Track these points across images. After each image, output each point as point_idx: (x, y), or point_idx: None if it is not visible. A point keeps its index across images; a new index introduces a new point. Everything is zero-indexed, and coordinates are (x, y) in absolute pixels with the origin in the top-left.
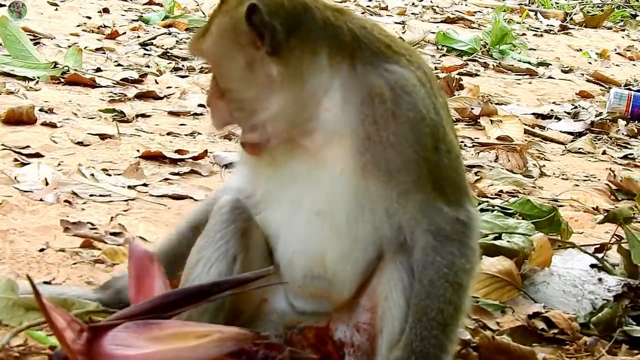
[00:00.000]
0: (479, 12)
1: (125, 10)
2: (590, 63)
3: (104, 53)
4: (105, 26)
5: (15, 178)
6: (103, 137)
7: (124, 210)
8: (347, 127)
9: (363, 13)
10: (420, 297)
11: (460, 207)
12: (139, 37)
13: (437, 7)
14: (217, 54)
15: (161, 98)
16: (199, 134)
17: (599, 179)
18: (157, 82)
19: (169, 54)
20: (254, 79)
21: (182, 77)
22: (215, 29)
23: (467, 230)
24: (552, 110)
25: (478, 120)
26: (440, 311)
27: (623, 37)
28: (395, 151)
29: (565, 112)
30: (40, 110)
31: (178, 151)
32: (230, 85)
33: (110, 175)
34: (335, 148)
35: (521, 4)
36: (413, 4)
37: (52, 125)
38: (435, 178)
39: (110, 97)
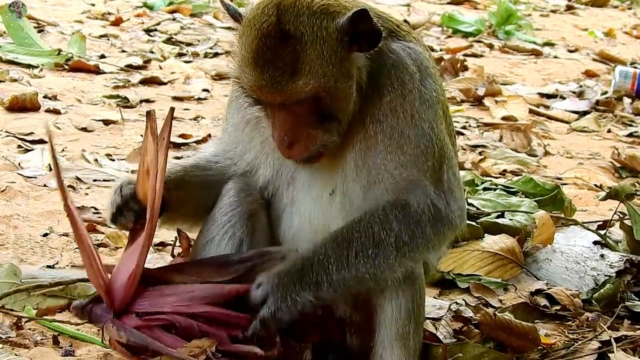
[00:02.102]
0: None
1: None
2: (596, 42)
3: (108, 39)
4: (109, 13)
5: (19, 164)
6: (107, 122)
7: None
8: (373, 100)
9: None
10: (366, 217)
11: (445, 197)
12: (143, 23)
13: None
14: (324, 82)
15: (165, 83)
16: (203, 118)
17: (604, 157)
18: (161, 68)
19: (173, 40)
20: (354, 83)
21: (186, 62)
22: (311, 65)
23: (440, 221)
24: (557, 89)
25: (482, 100)
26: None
27: (629, 15)
28: (412, 123)
29: (570, 91)
30: (44, 97)
31: (182, 135)
32: (342, 101)
33: (114, 160)
34: (358, 124)
35: None
36: None
37: (56, 112)
38: (437, 158)
39: (114, 83)
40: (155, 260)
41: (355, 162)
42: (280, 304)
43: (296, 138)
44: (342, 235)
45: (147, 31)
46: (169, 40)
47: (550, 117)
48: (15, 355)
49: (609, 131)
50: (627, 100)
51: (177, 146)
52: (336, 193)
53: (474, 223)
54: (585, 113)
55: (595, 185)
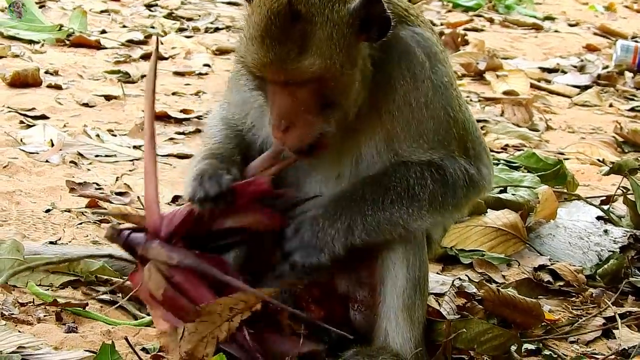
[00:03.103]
0: None
1: None
2: (597, 16)
3: (109, 15)
4: None
5: (21, 140)
6: (108, 98)
7: (130, 170)
8: (385, 92)
9: None
10: (401, 170)
11: (475, 163)
12: None
13: None
14: (330, 64)
15: (166, 58)
16: (204, 93)
17: (606, 132)
18: (162, 43)
19: (174, 15)
20: (358, 72)
21: (187, 37)
22: (318, 46)
23: (472, 185)
24: (558, 63)
25: (483, 75)
26: (405, 188)
27: None
28: (428, 113)
29: (571, 65)
30: (46, 72)
31: (183, 111)
32: (345, 89)
33: (115, 135)
34: (372, 115)
35: None
36: None
37: (58, 87)
38: (460, 136)
39: (115, 58)
40: None
41: (377, 149)
42: (313, 250)
43: (293, 122)
44: (378, 181)
45: (148, 6)
46: (169, 15)
47: (551, 92)
48: (19, 332)
49: (610, 105)
50: (628, 75)
51: (179, 121)
52: (343, 178)
53: None
54: (586, 87)
55: (598, 160)
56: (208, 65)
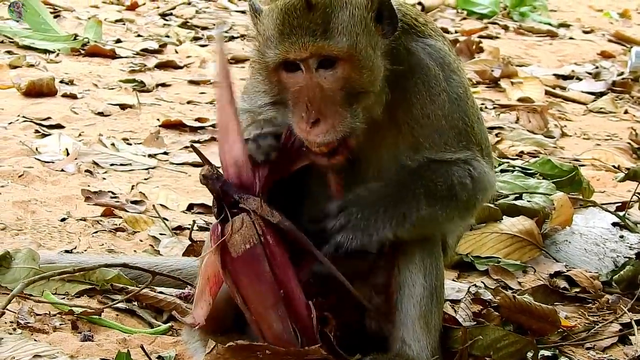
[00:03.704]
0: None
1: None
2: (611, 23)
3: (124, 24)
4: None
5: (37, 149)
6: (123, 107)
7: (145, 179)
8: (402, 106)
9: None
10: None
11: (490, 166)
12: (158, 7)
13: None
14: (356, 42)
15: (181, 67)
16: None
17: (621, 138)
18: (176, 52)
19: (189, 24)
20: (380, 67)
21: (202, 46)
22: (342, 25)
23: (489, 187)
24: (573, 70)
25: (498, 82)
26: (432, 185)
27: None
28: (448, 124)
29: (586, 72)
30: (61, 82)
31: (198, 119)
32: (370, 76)
33: (130, 144)
34: (391, 128)
35: None
36: None
37: (73, 97)
38: (479, 141)
39: (130, 67)
40: (173, 245)
41: (400, 159)
42: (361, 233)
43: (323, 113)
44: (423, 177)
45: (163, 15)
46: (184, 24)
47: (566, 99)
48: (35, 340)
49: (625, 112)
50: None
51: (194, 130)
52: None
53: (492, 205)
54: (601, 94)
55: (613, 166)
56: None
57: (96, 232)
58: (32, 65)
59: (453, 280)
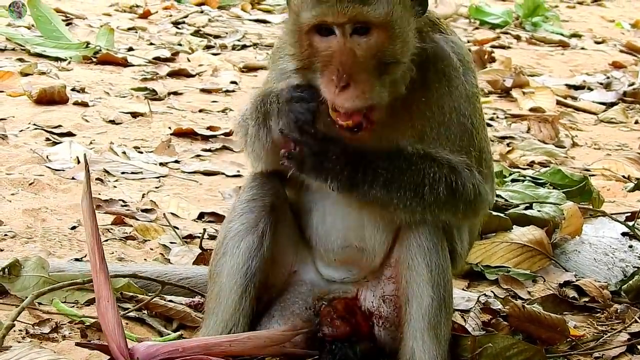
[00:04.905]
0: None
1: None
2: (623, 34)
3: (136, 32)
4: (137, 5)
5: (47, 157)
6: (135, 115)
7: (156, 187)
8: (419, 92)
9: None
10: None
11: (484, 182)
12: (171, 15)
13: None
14: (393, 12)
15: (193, 76)
16: (231, 110)
17: (631, 148)
18: (189, 60)
19: (201, 32)
20: (412, 41)
21: (214, 54)
22: None
23: (476, 202)
24: (584, 80)
25: (510, 91)
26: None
27: None
28: (457, 119)
29: (597, 82)
30: (72, 89)
31: (210, 128)
32: (402, 47)
33: (142, 152)
34: (404, 113)
35: None
36: None
37: (84, 105)
38: (479, 148)
39: (142, 75)
40: (184, 253)
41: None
42: (322, 156)
43: (354, 79)
44: (400, 159)
45: (175, 24)
46: (196, 33)
47: (577, 109)
48: (44, 349)
49: (636, 122)
50: None
51: (205, 138)
52: None
53: (502, 214)
54: (612, 104)
55: (623, 176)
56: (235, 83)
57: (106, 240)
58: (43, 73)
59: (463, 289)
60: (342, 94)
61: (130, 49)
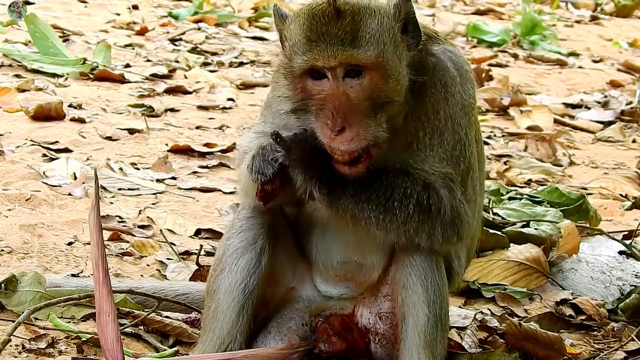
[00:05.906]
0: (509, 3)
1: (155, 7)
2: (621, 52)
3: (133, 49)
4: (134, 22)
5: (44, 173)
6: (132, 131)
7: (153, 204)
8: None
9: None
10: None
11: (467, 204)
12: (168, 32)
13: None
14: (383, 51)
15: (190, 92)
16: (228, 127)
17: (629, 167)
18: (186, 77)
19: (198, 49)
20: (404, 76)
21: (211, 71)
22: (371, 33)
23: (454, 222)
24: (582, 99)
25: (507, 110)
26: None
27: None
28: (451, 127)
29: (595, 101)
30: (69, 106)
31: (207, 144)
32: (396, 85)
33: (138, 169)
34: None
35: None
36: None
37: (81, 121)
38: (466, 166)
39: (139, 92)
40: (180, 269)
41: (397, 151)
42: (308, 163)
43: (349, 122)
44: (373, 178)
45: (172, 40)
46: (194, 50)
47: (575, 127)
48: None
49: (634, 141)
50: None
51: (202, 155)
52: None
53: (499, 232)
54: (610, 123)
55: (621, 195)
56: (232, 100)
57: None
58: (40, 89)
59: (460, 307)
60: (338, 137)
61: (128, 66)
